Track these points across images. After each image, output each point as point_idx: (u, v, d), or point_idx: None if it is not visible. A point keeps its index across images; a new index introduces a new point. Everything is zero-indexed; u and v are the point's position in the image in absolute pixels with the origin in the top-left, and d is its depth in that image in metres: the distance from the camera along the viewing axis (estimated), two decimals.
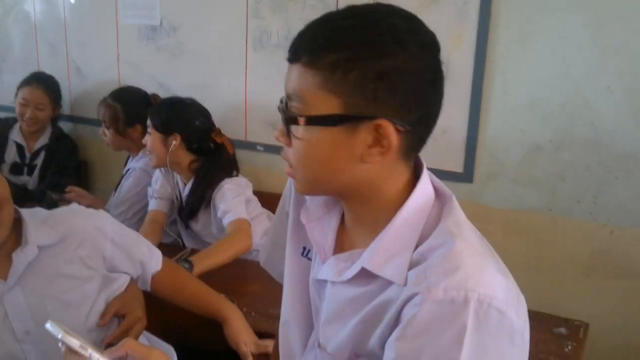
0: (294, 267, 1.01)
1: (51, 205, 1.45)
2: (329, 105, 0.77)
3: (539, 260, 2.22)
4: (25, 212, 1.32)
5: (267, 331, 1.63)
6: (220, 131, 2.31)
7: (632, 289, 2.11)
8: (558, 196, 2.19)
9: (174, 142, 2.19)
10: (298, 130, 0.80)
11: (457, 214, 0.84)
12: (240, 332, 1.57)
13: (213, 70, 2.75)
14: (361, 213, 0.88)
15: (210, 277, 1.80)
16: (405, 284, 0.79)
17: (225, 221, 2.08)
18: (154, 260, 1.53)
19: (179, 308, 1.61)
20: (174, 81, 2.84)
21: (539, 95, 2.14)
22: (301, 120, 0.79)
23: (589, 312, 1.95)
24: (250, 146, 2.66)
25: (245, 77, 2.68)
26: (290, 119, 0.80)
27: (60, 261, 1.32)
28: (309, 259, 0.98)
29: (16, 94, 2.94)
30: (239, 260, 2.03)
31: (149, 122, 2.26)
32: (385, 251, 0.82)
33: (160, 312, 1.57)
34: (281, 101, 0.82)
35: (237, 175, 2.28)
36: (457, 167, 2.30)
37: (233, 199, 2.12)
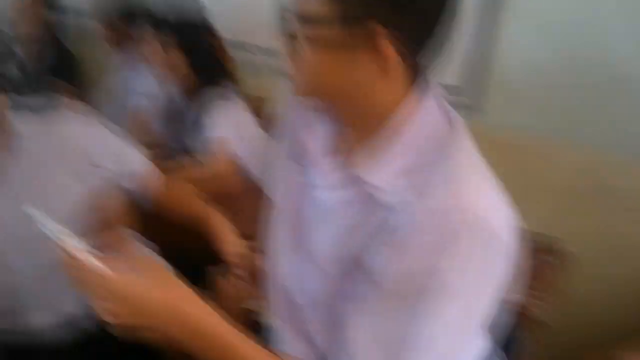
0: (284, 173, 1.00)
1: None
2: (324, 8, 0.76)
3: (529, 183, 2.21)
4: (16, 116, 1.31)
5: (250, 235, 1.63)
6: (218, 38, 2.20)
7: (623, 216, 2.11)
8: (559, 120, 2.15)
9: (170, 44, 2.10)
10: (296, 32, 0.79)
11: (461, 133, 0.82)
12: (228, 241, 1.58)
13: None
14: (354, 120, 0.87)
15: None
16: (395, 193, 0.79)
17: (210, 143, 2.04)
18: (141, 167, 1.54)
19: (164, 217, 1.61)
20: None
21: (550, 16, 2.05)
22: (297, 21, 0.79)
23: (575, 237, 1.97)
24: (246, 48, 2.57)
25: None
26: (288, 21, 0.80)
27: (48, 166, 1.31)
28: (299, 165, 0.98)
29: None
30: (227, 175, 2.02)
31: (143, 22, 2.17)
32: (377, 159, 0.82)
33: (143, 221, 1.57)
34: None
35: (232, 85, 2.20)
36: (459, 84, 2.24)
37: (219, 119, 2.06)
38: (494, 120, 2.24)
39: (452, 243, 0.73)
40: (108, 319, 0.71)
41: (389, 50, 0.76)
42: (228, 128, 2.05)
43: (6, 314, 1.37)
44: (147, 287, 0.72)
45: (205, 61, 2.15)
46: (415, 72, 0.82)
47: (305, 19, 0.78)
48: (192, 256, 1.60)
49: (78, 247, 0.71)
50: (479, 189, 0.77)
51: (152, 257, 0.76)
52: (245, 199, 1.90)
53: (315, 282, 0.92)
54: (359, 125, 0.86)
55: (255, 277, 1.31)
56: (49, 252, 1.28)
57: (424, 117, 0.82)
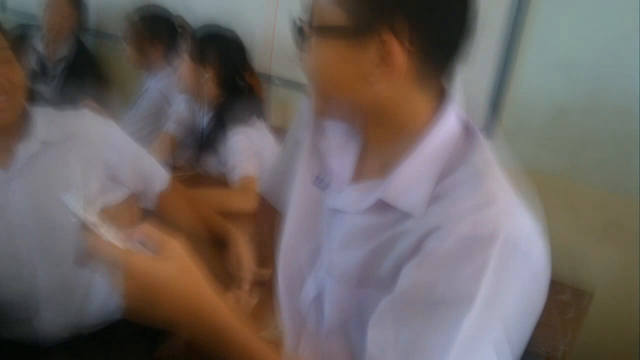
0: (303, 194, 0.98)
1: None
2: (335, 17, 0.76)
3: (551, 225, 2.17)
4: (35, 109, 1.32)
5: (266, 262, 1.62)
6: (254, 72, 2.21)
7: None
8: (579, 162, 2.13)
9: (205, 75, 2.10)
10: (307, 43, 0.80)
11: (486, 151, 0.81)
12: (242, 256, 1.56)
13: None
14: (379, 142, 0.85)
15: None
16: (423, 217, 0.77)
17: (233, 178, 2.00)
18: (160, 178, 1.52)
19: (179, 228, 1.60)
20: (199, 2, 2.77)
21: (574, 56, 2.05)
22: (307, 31, 0.79)
23: (595, 281, 1.92)
24: (271, 80, 2.60)
25: (277, 5, 2.60)
26: (299, 31, 0.81)
27: (63, 159, 1.31)
28: (321, 188, 0.96)
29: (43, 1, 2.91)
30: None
31: (184, 47, 2.18)
32: (404, 183, 0.80)
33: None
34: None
35: (260, 120, 2.18)
36: (478, 123, 2.22)
37: (241, 153, 2.03)
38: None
39: (481, 269, 0.71)
40: (125, 299, 0.70)
41: (398, 60, 0.75)
42: (248, 164, 2.01)
43: (19, 322, 1.36)
44: (170, 276, 0.71)
45: (235, 87, 2.14)
46: (433, 87, 0.81)
47: (315, 28, 0.78)
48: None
49: (108, 233, 0.71)
50: (509, 208, 0.75)
51: (180, 246, 0.75)
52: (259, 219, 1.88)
53: (334, 305, 0.90)
54: (385, 148, 0.85)
55: (267, 298, 1.29)
56: (65, 248, 1.29)
57: (445, 132, 0.81)
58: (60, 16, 2.89)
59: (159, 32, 2.53)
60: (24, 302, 1.33)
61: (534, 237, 0.75)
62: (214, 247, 1.59)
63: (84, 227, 0.70)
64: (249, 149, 2.04)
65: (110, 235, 0.70)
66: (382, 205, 0.81)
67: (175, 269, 0.72)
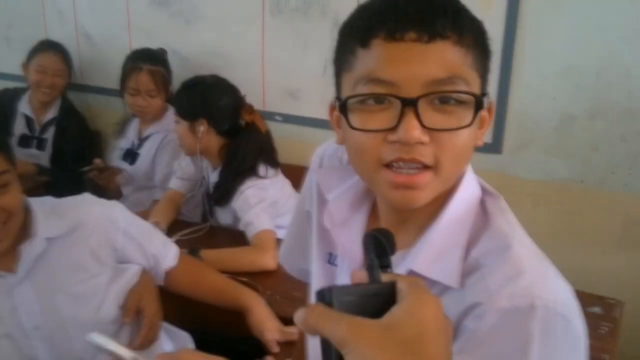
0: (319, 274, 0.94)
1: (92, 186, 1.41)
2: (478, 85, 0.72)
3: (570, 233, 2.15)
4: (33, 202, 1.27)
5: (291, 316, 1.57)
6: (251, 108, 2.12)
7: None
8: (591, 167, 2.10)
9: (201, 128, 2.02)
10: (468, 118, 0.70)
11: (508, 214, 0.77)
12: (264, 320, 1.52)
13: (229, 37, 2.64)
14: (416, 210, 0.77)
15: None
16: (459, 286, 0.72)
17: (249, 234, 1.93)
18: (169, 255, 1.48)
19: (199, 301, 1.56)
20: (188, 48, 2.74)
21: (574, 62, 2.03)
22: (473, 104, 0.70)
23: (623, 287, 1.88)
24: (268, 116, 2.55)
25: (262, 44, 2.57)
26: (469, 103, 0.70)
27: (70, 253, 1.27)
28: (335, 265, 0.91)
29: (27, 62, 2.82)
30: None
31: (174, 110, 2.12)
32: (433, 251, 0.75)
33: (176, 298, 1.52)
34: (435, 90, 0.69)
35: (272, 155, 2.12)
36: (485, 137, 2.19)
37: (254, 206, 1.95)
38: (518, 167, 2.20)
39: (526, 342, 0.67)
40: None
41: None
42: (263, 218, 1.93)
43: None
44: None
45: (236, 129, 2.07)
46: None
47: (478, 100, 0.70)
48: (231, 335, 1.53)
49: None
50: (542, 274, 0.71)
51: None
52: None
53: None
54: (416, 215, 0.78)
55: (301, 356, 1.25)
56: (80, 344, 1.24)
57: (468, 195, 0.77)
58: (53, 75, 2.80)
59: (159, 80, 2.45)
60: None
61: (569, 298, 0.71)
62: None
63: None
64: (262, 201, 1.97)
65: None
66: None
67: None
